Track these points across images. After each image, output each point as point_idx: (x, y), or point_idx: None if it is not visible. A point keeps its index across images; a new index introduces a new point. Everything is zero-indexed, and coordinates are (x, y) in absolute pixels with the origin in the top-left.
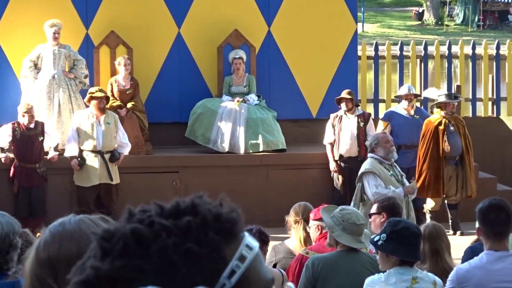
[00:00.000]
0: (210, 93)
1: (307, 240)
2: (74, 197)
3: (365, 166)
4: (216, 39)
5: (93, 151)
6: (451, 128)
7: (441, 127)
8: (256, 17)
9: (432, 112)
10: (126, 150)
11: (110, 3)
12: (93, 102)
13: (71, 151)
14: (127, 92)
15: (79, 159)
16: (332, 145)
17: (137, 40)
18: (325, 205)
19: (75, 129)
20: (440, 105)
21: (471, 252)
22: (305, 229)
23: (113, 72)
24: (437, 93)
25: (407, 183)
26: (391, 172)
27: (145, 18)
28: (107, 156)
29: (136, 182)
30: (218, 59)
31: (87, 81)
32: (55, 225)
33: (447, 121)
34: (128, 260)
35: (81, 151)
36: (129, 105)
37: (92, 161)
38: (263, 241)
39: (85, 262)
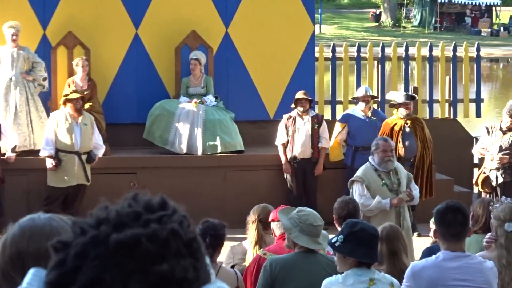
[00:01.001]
0: (167, 94)
1: (259, 241)
2: (32, 198)
3: (357, 172)
4: (173, 40)
5: (70, 152)
6: (407, 129)
7: (397, 128)
8: (213, 18)
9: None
10: (101, 152)
11: (67, 4)
12: (69, 104)
13: (47, 151)
14: (85, 93)
15: (55, 160)
16: (284, 146)
17: (95, 41)
18: (283, 207)
19: (52, 129)
20: (396, 106)
21: (428, 253)
22: (258, 230)
23: (71, 73)
24: (396, 94)
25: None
26: (384, 181)
27: (102, 18)
28: (84, 157)
29: (93, 183)
30: (176, 60)
31: (46, 83)
32: (24, 220)
33: (403, 122)
34: (185, 259)
35: (57, 151)
36: (86, 106)
37: (70, 162)
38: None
39: (117, 275)
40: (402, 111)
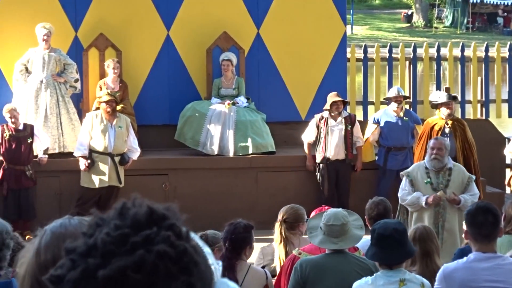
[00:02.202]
0: (199, 96)
1: (282, 241)
2: (64, 200)
3: (410, 167)
4: (205, 42)
5: (103, 153)
6: (447, 130)
7: (436, 128)
8: (245, 19)
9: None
10: (135, 155)
11: (99, 5)
12: (102, 106)
13: (81, 151)
14: (116, 95)
15: (89, 160)
16: (310, 144)
17: (126, 43)
18: (326, 208)
19: (87, 130)
20: (438, 106)
21: (460, 254)
22: (282, 230)
23: (102, 75)
24: (439, 95)
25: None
26: (429, 179)
27: (134, 20)
28: (117, 159)
29: (125, 185)
30: (207, 62)
31: (77, 85)
32: (55, 226)
33: (444, 122)
34: (176, 280)
35: (90, 152)
36: (118, 107)
37: (102, 163)
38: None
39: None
40: (444, 111)
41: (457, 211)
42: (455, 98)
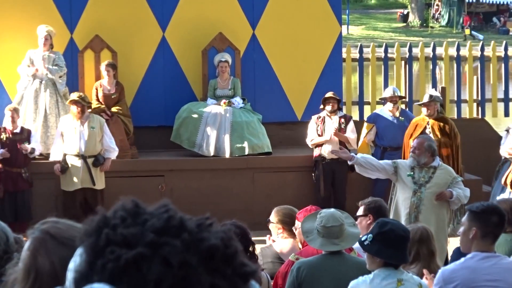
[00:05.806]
0: (195, 97)
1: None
2: (60, 202)
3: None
4: (200, 43)
5: (76, 155)
6: (427, 130)
7: (418, 129)
8: (240, 20)
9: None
10: (113, 155)
11: (94, 7)
12: (72, 108)
13: (55, 155)
14: (112, 97)
15: (62, 163)
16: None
17: (122, 44)
18: (312, 210)
19: (60, 133)
20: (421, 106)
21: (459, 253)
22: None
23: (98, 77)
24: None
25: (427, 191)
26: (412, 173)
27: (129, 22)
28: (90, 160)
29: (121, 186)
30: (203, 63)
31: (61, 81)
32: (51, 228)
33: (426, 122)
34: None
35: (64, 155)
36: (114, 109)
37: (75, 165)
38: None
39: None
40: (424, 111)
41: (435, 209)
42: (434, 98)
